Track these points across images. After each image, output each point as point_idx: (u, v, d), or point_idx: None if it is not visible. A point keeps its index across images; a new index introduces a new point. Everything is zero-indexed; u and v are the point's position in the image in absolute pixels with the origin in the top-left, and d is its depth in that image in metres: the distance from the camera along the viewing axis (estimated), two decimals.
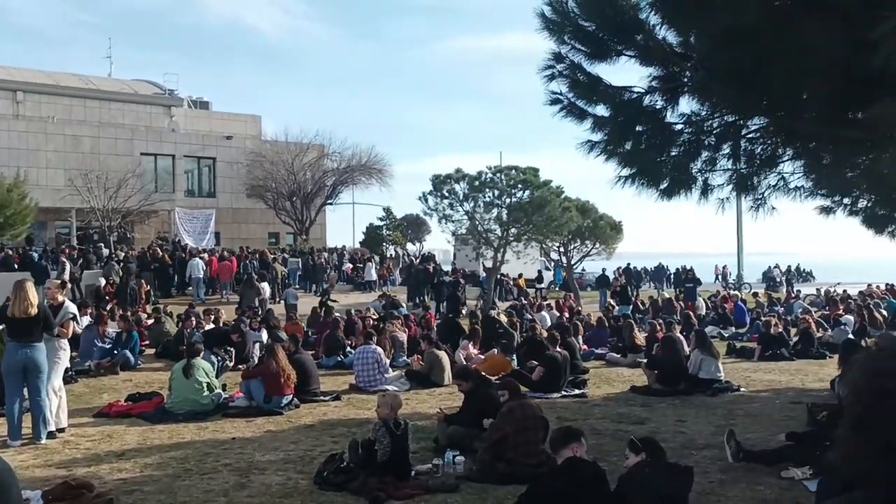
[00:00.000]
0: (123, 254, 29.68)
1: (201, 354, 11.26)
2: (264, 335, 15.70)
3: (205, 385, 10.60)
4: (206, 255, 29.78)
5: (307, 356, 12.61)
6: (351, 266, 35.52)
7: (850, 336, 16.39)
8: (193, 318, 17.67)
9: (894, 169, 7.78)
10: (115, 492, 6.80)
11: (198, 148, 43.99)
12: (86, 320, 15.91)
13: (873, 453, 1.34)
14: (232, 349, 14.88)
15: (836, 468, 1.43)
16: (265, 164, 41.41)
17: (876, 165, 8.52)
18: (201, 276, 27.99)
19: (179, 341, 15.80)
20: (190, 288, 28.16)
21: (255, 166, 41.67)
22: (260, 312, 20.08)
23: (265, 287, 25.73)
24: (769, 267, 48.95)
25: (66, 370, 10.31)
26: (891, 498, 1.33)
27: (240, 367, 13.68)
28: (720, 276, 46.32)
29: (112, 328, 16.39)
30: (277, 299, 27.27)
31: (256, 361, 13.07)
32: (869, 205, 11.93)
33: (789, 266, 52.67)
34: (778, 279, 45.47)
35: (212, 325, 17.11)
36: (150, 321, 18.94)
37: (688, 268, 34.17)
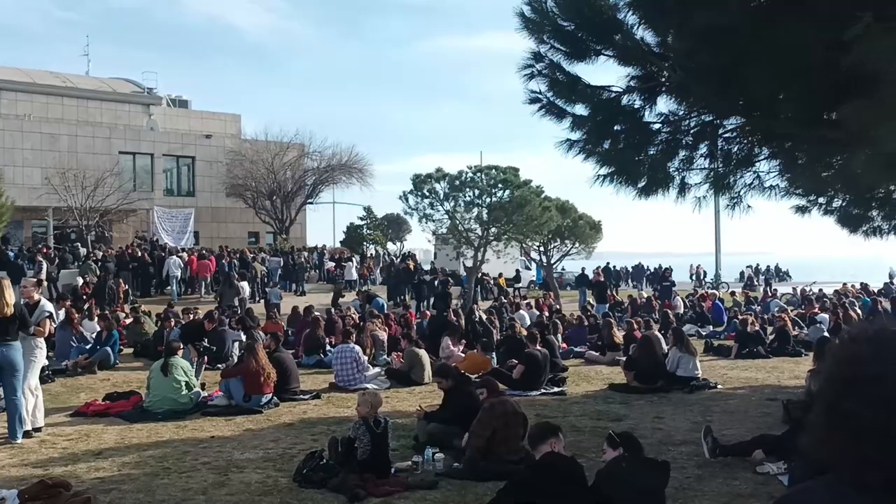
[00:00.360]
0: (101, 253, 29.44)
1: (180, 353, 11.19)
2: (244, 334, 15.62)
3: (183, 384, 10.54)
4: (184, 255, 29.63)
5: (287, 355, 12.58)
6: (333, 265, 35.47)
7: (826, 334, 16.58)
8: (172, 319, 17.57)
9: (867, 169, 7.88)
10: (92, 490, 6.74)
11: (177, 147, 43.68)
12: (63, 313, 15.78)
13: (845, 439, 1.38)
14: (212, 347, 14.64)
15: (808, 453, 1.46)
16: (245, 164, 41.18)
17: (849, 165, 8.64)
18: (178, 274, 27.88)
19: (158, 341, 15.70)
20: (169, 287, 28.01)
21: (235, 165, 41.43)
22: (239, 312, 20.00)
23: (244, 286, 25.64)
24: (745, 268, 49.42)
25: (43, 370, 10.22)
26: (861, 482, 1.36)
27: (219, 365, 13.60)
28: (694, 276, 46.56)
29: (86, 329, 16.28)
30: (257, 298, 27.19)
31: (236, 360, 13.01)
32: (843, 204, 12.10)
33: (768, 266, 53.19)
34: (755, 280, 45.84)
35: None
36: (129, 320, 18.82)
37: (664, 267, 34.32)
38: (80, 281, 24.71)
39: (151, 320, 18.98)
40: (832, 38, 6.33)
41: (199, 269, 28.58)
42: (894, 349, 1.40)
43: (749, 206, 10.74)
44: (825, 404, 1.43)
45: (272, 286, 29.24)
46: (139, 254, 29.04)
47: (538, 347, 12.63)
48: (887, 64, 5.72)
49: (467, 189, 27.81)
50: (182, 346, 11.84)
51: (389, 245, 51.67)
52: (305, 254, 35.75)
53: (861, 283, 31.48)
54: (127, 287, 25.81)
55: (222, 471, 7.51)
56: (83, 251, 29.88)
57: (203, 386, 11.49)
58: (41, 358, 9.29)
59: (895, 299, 24.21)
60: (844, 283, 31.79)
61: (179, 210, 39.62)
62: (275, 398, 11.00)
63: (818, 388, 1.51)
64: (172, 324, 16.86)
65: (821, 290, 29.92)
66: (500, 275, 35.28)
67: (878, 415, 1.34)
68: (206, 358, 13.84)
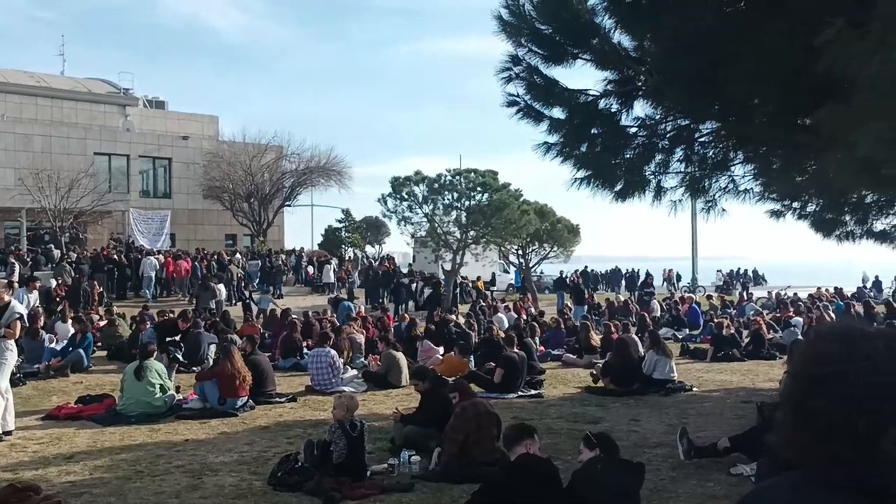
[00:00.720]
0: (76, 255, 29.10)
1: (154, 356, 11.07)
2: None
3: (157, 387, 10.43)
4: (161, 257, 29.39)
5: (263, 357, 12.49)
6: (314, 270, 35.34)
7: (800, 337, 16.75)
8: (148, 321, 17.38)
9: (841, 173, 7.96)
10: (63, 494, 6.64)
11: (153, 148, 43.30)
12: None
13: (811, 437, 1.37)
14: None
15: (776, 452, 1.46)
16: (222, 165, 40.89)
17: (823, 170, 8.72)
18: (153, 275, 27.65)
19: (133, 344, 15.50)
20: (143, 290, 27.75)
21: (212, 167, 41.12)
22: (216, 314, 19.83)
23: (221, 289, 25.43)
24: (717, 272, 49.93)
25: (14, 373, 10.08)
26: (830, 480, 1.36)
27: (194, 368, 13.45)
28: (666, 280, 46.79)
29: (60, 332, 16.08)
30: (234, 301, 26.99)
31: (211, 363, 12.89)
32: (817, 209, 12.21)
33: (746, 270, 53.76)
34: (731, 284, 46.26)
35: None
36: (103, 323, 18.61)
37: (645, 274, 34.31)
38: (54, 283, 24.40)
39: (126, 323, 18.79)
40: (807, 42, 6.37)
41: (176, 269, 28.38)
42: (864, 348, 1.39)
43: (724, 210, 10.83)
44: (792, 402, 1.43)
45: (260, 293, 29.10)
46: (114, 256, 28.75)
47: (516, 350, 12.65)
48: (859, 69, 5.77)
49: (446, 192, 27.77)
50: (157, 349, 11.70)
51: (368, 248, 51.56)
52: (283, 256, 35.57)
53: (835, 288, 31.86)
54: (101, 289, 25.53)
55: (196, 474, 7.43)
56: (57, 253, 29.52)
57: (178, 389, 11.37)
58: (11, 360, 9.15)
59: (868, 303, 24.50)
60: (819, 288, 32.15)
61: (156, 212, 39.24)
62: (250, 401, 10.91)
63: (786, 387, 1.50)
64: (147, 326, 16.68)
65: (795, 293, 30.23)
66: (479, 278, 35.31)
67: (849, 414, 1.33)
68: (176, 365, 13.50)
